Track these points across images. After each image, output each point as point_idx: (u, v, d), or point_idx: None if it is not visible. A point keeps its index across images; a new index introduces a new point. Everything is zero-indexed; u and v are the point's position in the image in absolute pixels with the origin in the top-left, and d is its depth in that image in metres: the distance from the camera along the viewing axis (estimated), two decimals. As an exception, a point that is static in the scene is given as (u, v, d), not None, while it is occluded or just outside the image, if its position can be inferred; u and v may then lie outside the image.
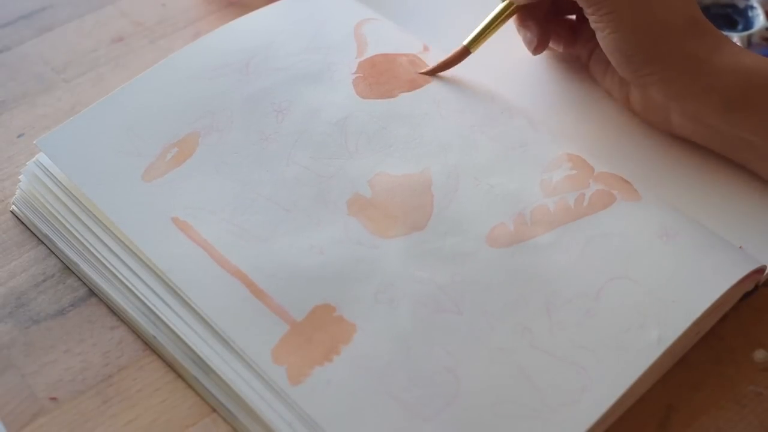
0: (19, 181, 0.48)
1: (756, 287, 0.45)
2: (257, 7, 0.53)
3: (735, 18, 0.57)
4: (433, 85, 0.49)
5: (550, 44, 0.51)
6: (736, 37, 0.55)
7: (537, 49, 0.50)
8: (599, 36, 0.46)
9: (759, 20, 0.55)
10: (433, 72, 0.50)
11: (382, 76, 0.49)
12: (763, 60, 0.44)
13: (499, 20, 0.49)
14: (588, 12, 0.46)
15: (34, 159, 0.48)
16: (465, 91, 0.49)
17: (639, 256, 0.42)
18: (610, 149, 0.49)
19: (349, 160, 0.46)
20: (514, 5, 0.49)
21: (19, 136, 0.52)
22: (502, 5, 0.49)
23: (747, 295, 0.45)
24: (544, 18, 0.50)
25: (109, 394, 0.42)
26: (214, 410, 0.42)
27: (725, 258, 0.42)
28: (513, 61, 0.54)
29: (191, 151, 0.47)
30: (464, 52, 0.49)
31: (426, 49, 0.51)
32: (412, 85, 0.49)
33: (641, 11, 0.44)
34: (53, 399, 0.42)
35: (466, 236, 0.43)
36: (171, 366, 0.43)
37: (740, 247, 0.44)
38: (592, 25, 0.46)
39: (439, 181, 0.45)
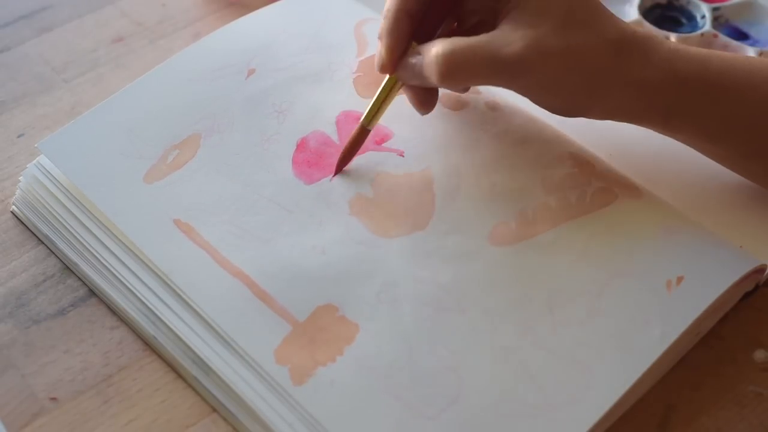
0: (20, 182, 0.48)
1: (756, 287, 0.45)
2: (257, 7, 0.53)
3: (680, 19, 0.57)
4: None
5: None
6: (673, 37, 0.54)
7: (424, 110, 0.46)
8: (533, 101, 0.43)
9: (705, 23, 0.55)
10: (339, 167, 0.46)
11: (382, 75, 0.49)
12: (694, 59, 0.43)
13: (389, 93, 0.45)
14: (520, 92, 0.43)
15: (35, 161, 0.48)
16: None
17: (641, 254, 0.42)
18: (611, 148, 0.49)
19: (351, 159, 0.46)
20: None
21: (19, 136, 0.52)
22: (386, 80, 0.45)
23: (747, 295, 0.45)
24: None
25: (109, 394, 0.42)
26: (214, 410, 0.42)
27: (725, 257, 0.43)
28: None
29: (193, 152, 0.47)
30: (363, 132, 0.45)
31: (426, 49, 0.51)
32: (413, 85, 0.49)
33: (572, 72, 0.41)
34: (53, 399, 0.42)
35: (468, 235, 0.43)
36: (171, 366, 0.43)
37: (740, 247, 0.44)
38: (527, 96, 0.43)
39: (441, 180, 0.45)
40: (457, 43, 0.41)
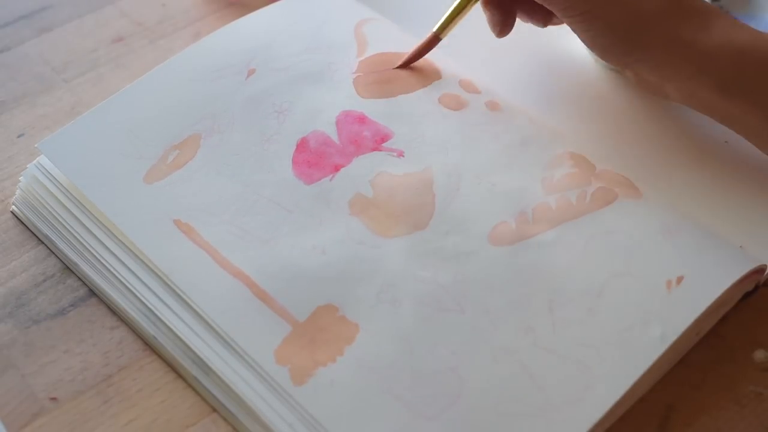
0: (20, 182, 0.48)
1: (756, 287, 0.45)
2: (257, 7, 0.53)
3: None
4: (434, 85, 0.49)
5: (531, 22, 0.50)
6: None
7: (500, 32, 0.49)
8: (575, 33, 0.46)
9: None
10: (406, 64, 0.50)
11: (382, 76, 0.49)
12: (757, 35, 0.44)
13: (466, 3, 0.48)
14: (560, 15, 0.45)
15: (35, 161, 0.48)
16: (466, 90, 0.49)
17: (641, 254, 0.42)
18: (611, 148, 0.49)
19: (351, 160, 0.46)
20: None
21: (19, 136, 0.52)
22: None
23: (747, 295, 0.45)
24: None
25: (109, 394, 0.42)
26: (214, 410, 0.42)
27: (725, 257, 0.43)
28: (514, 60, 0.54)
29: (193, 153, 0.47)
30: (434, 40, 0.49)
31: (426, 49, 0.51)
32: (413, 85, 0.49)
33: (612, 4, 0.44)
34: (53, 399, 0.42)
35: (468, 235, 0.43)
36: (171, 366, 0.43)
37: (740, 247, 0.44)
38: (567, 24, 0.46)
39: (441, 180, 0.45)
40: None
